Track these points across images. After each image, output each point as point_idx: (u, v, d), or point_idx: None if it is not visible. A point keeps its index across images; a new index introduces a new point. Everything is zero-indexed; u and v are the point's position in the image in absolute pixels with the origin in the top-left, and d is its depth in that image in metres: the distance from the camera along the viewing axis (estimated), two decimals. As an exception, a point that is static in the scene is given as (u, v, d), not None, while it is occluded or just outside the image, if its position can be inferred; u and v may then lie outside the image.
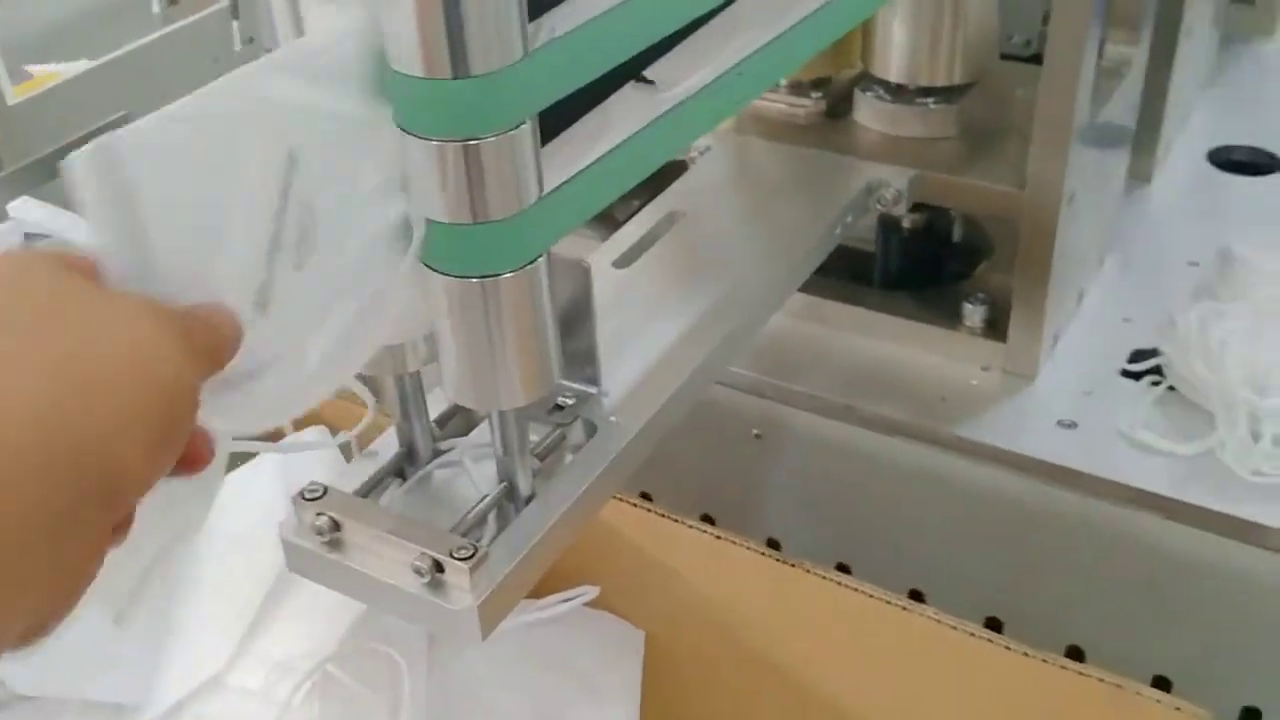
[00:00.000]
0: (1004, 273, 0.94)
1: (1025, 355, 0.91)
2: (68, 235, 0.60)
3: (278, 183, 0.46)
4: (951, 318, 0.95)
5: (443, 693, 0.82)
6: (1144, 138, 1.09)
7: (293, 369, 0.49)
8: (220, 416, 0.45)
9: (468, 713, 0.82)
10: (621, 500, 0.84)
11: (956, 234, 1.03)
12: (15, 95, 0.98)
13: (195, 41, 1.15)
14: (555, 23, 0.51)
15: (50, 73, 1.07)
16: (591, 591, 0.85)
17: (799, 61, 0.70)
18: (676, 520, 0.83)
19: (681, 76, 0.61)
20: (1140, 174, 1.12)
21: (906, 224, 0.99)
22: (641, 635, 0.87)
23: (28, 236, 0.61)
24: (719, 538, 0.81)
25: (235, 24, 1.17)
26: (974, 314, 0.93)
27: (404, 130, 0.49)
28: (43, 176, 0.63)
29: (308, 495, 0.60)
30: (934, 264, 1.01)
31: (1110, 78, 0.91)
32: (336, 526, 0.59)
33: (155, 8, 1.42)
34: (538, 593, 0.85)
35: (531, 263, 0.52)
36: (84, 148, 0.41)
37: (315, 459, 0.87)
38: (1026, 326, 0.90)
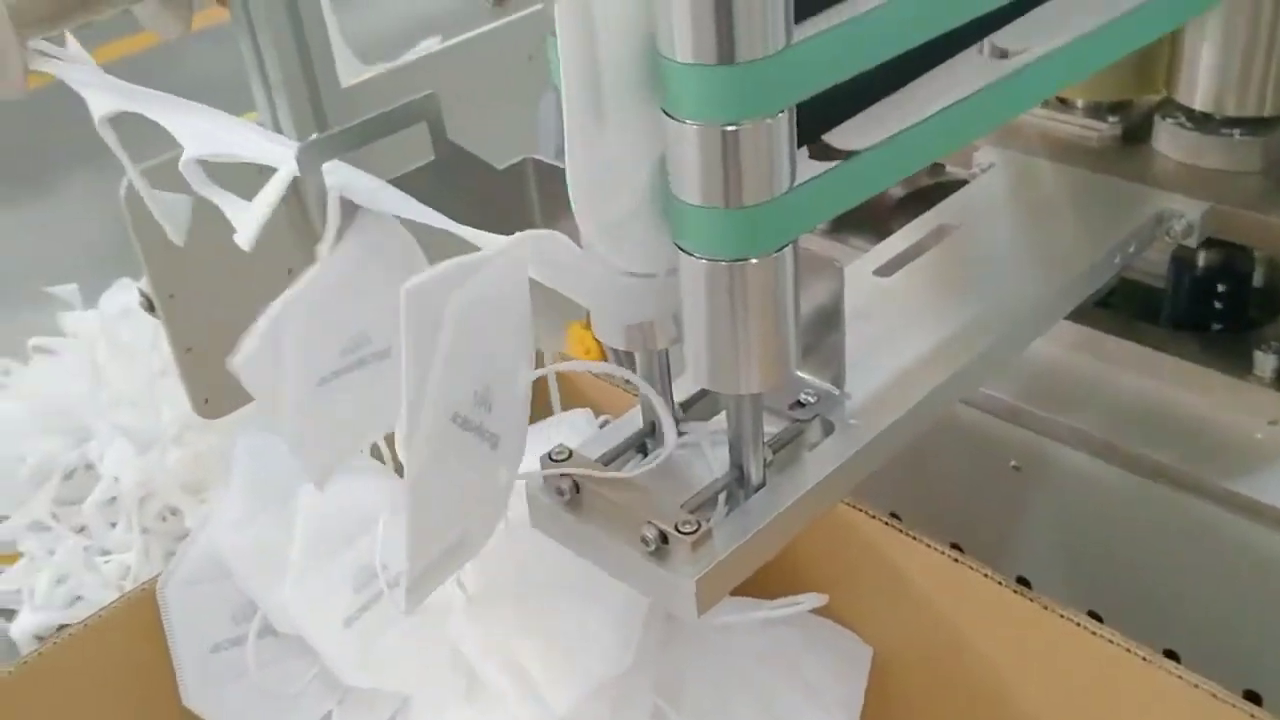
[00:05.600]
0: (1306, 322, 0.88)
1: (1319, 412, 0.85)
2: (375, 196, 0.66)
3: None
4: (1240, 365, 0.89)
5: (677, 675, 0.84)
6: None
7: None
8: None
9: (699, 696, 0.84)
10: (864, 512, 0.84)
11: (1257, 278, 0.97)
12: (349, 80, 1.08)
13: (515, 38, 1.23)
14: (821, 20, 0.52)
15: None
16: (820, 599, 0.85)
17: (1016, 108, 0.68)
18: (918, 539, 0.82)
19: (936, 94, 0.61)
20: None
21: (1201, 261, 0.94)
22: (869, 652, 0.86)
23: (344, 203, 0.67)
24: (959, 562, 0.79)
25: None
26: (1265, 363, 0.87)
27: (666, 113, 0.51)
28: (357, 141, 0.69)
29: (555, 456, 0.63)
30: (1228, 307, 0.96)
31: None
32: (576, 489, 0.62)
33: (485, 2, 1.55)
34: (771, 594, 0.86)
35: (779, 250, 0.54)
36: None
37: (572, 433, 0.91)
38: (1324, 381, 0.84)
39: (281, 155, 0.70)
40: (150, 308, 1.13)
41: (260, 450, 0.91)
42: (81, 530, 1.25)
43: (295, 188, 0.99)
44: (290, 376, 0.66)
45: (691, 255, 0.54)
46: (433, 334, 0.53)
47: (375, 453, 0.92)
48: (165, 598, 0.84)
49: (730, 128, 0.50)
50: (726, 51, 0.48)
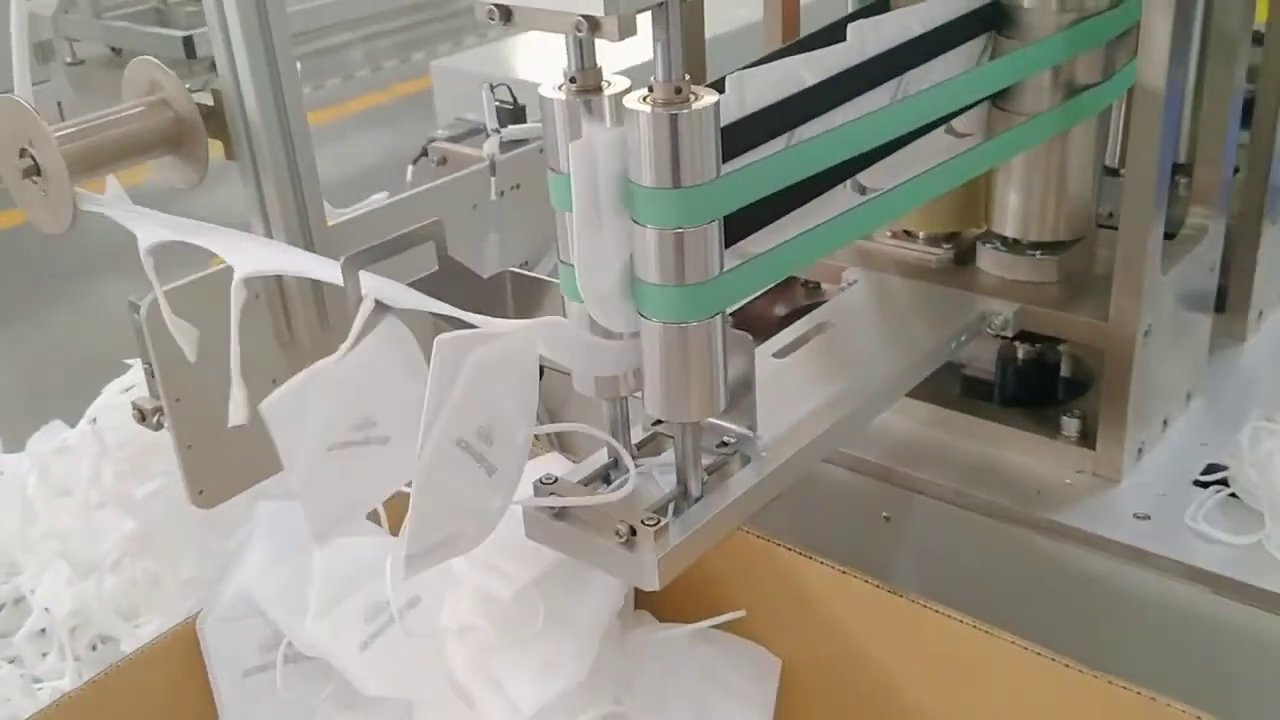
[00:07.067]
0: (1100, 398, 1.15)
1: (1110, 461, 1.11)
2: (404, 296, 0.86)
3: None
4: (1052, 429, 1.15)
5: (626, 683, 1.04)
6: (1237, 302, 1.29)
7: None
8: None
9: (644, 700, 1.03)
10: (767, 540, 1.05)
11: (1065, 369, 1.24)
12: (331, 220, 1.31)
13: (461, 191, 1.46)
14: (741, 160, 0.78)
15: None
16: (738, 614, 1.06)
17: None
18: (810, 557, 1.04)
19: (813, 216, 0.87)
20: (1235, 334, 1.31)
21: (1020, 355, 1.21)
22: (778, 662, 1.08)
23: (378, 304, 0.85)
24: (846, 574, 1.02)
25: (493, 179, 1.47)
26: (1070, 426, 1.14)
27: (635, 222, 0.75)
28: (385, 255, 0.90)
29: (544, 481, 0.85)
30: (1043, 392, 1.22)
31: (1187, 242, 1.13)
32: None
33: (409, 167, 1.81)
34: (696, 618, 1.07)
35: (711, 317, 0.77)
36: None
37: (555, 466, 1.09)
38: (1111, 436, 1.10)
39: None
40: (142, 418, 1.29)
41: (277, 513, 1.10)
42: (13, 661, 1.32)
43: (284, 306, 1.20)
44: (306, 439, 0.80)
45: (651, 320, 0.77)
46: (452, 376, 0.73)
47: (374, 518, 1.12)
48: (204, 632, 1.01)
49: (678, 231, 0.74)
50: (675, 180, 0.73)
